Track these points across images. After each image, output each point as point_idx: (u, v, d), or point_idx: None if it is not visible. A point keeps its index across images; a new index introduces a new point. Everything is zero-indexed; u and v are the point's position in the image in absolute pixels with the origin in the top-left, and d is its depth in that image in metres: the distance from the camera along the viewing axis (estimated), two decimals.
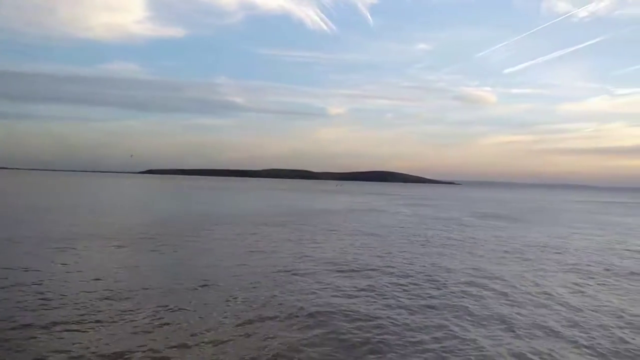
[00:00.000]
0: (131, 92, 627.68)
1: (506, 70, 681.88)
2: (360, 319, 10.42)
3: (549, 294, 13.41)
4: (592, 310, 11.84)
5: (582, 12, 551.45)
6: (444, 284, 14.39)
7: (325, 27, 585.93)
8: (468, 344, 9.15)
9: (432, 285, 14.10)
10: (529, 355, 8.66)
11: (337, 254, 19.55)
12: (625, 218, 49.45)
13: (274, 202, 60.38)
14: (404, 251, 20.93)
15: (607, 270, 17.74)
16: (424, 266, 17.26)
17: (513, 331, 10.02)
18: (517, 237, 27.51)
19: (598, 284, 15.18)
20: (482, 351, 8.83)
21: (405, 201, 75.03)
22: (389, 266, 17.00)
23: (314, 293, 12.67)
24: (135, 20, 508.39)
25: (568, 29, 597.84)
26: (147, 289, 12.33)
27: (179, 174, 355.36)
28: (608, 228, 35.76)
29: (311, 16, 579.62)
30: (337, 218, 37.85)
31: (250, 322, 10.00)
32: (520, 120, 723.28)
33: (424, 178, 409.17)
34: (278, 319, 10.32)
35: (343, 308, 11.22)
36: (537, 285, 14.58)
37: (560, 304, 12.32)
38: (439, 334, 9.63)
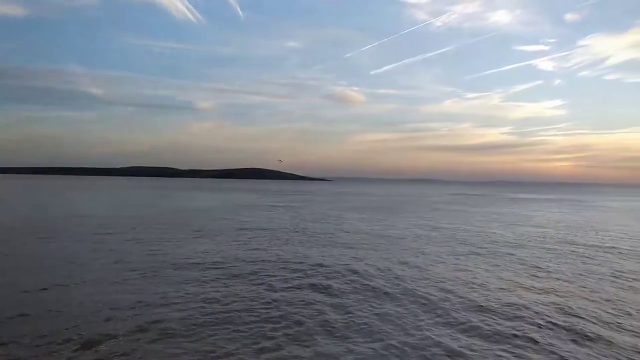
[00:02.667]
0: None
1: (373, 72, 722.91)
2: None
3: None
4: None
5: (438, 22, 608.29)
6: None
7: (192, 18, 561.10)
8: None
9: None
10: None
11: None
12: (472, 207, 52.00)
13: (121, 203, 52.72)
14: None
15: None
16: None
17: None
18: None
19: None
20: None
21: (268, 198, 71.67)
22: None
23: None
24: None
25: (426, 36, 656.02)
26: None
27: (20, 173, 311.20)
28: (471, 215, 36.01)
29: (177, 5, 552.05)
30: (190, 217, 32.71)
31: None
32: (386, 119, 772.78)
33: (296, 175, 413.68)
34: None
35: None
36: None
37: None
38: None
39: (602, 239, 25.59)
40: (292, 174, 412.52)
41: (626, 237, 26.40)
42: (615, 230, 30.12)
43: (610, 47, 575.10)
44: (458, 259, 18.04)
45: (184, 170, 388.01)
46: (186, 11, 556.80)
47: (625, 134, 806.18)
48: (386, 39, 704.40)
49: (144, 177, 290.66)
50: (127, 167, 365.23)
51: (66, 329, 8.93)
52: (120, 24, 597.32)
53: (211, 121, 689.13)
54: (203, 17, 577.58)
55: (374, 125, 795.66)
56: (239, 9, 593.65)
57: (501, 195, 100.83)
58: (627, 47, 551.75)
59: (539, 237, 25.82)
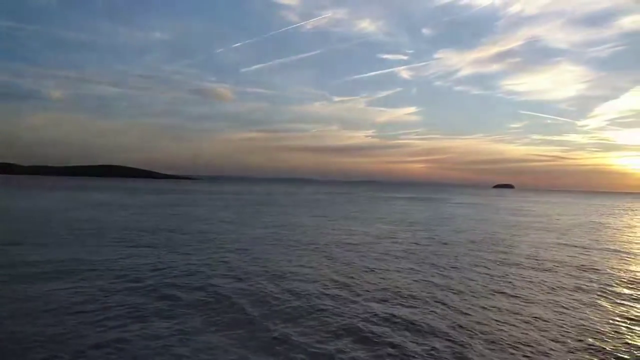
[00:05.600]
0: None
1: (242, 70, 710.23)
2: None
3: None
4: None
5: (308, 25, 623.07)
6: None
7: None
8: None
9: None
10: None
11: None
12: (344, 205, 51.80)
13: None
14: None
15: None
16: None
17: None
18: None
19: None
20: None
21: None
22: None
23: None
24: None
25: (296, 38, 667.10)
26: None
27: None
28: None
29: None
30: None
31: None
32: (256, 118, 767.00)
33: (157, 173, 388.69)
34: None
35: None
36: None
37: None
38: None
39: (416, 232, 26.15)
40: (151, 172, 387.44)
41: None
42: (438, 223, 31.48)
43: (459, 62, 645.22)
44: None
45: (23, 167, 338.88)
46: None
47: (471, 139, 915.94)
48: (257, 38, 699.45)
49: None
50: None
51: None
52: None
53: (60, 112, 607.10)
54: None
55: (243, 124, 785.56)
56: None
57: (363, 194, 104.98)
58: (472, 62, 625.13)
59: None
